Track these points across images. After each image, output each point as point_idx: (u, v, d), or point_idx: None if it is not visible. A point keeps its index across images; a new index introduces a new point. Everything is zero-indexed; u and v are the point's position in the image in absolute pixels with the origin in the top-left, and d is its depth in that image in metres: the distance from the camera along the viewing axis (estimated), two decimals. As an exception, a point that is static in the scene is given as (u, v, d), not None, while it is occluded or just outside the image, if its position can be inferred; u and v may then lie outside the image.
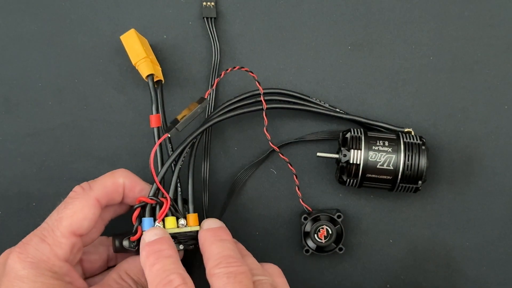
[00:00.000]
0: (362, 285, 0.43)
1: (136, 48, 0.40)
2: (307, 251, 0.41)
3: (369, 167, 0.39)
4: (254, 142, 0.43)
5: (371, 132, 0.40)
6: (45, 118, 0.44)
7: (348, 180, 0.39)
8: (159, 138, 0.38)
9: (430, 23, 0.43)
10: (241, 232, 0.43)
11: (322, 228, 0.41)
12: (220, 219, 0.38)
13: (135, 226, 0.37)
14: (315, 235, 0.41)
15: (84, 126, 0.43)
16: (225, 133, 0.43)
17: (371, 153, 0.39)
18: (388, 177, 0.39)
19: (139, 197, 0.37)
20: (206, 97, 0.39)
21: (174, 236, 0.37)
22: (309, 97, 0.42)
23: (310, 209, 0.41)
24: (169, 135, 0.37)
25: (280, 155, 0.41)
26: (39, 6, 0.44)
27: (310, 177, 0.43)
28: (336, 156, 0.40)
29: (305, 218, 0.41)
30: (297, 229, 0.43)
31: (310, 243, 0.41)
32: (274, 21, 0.44)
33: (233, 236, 0.42)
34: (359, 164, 0.39)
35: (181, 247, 0.38)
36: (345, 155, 0.39)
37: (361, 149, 0.39)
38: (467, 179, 0.43)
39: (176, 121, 0.37)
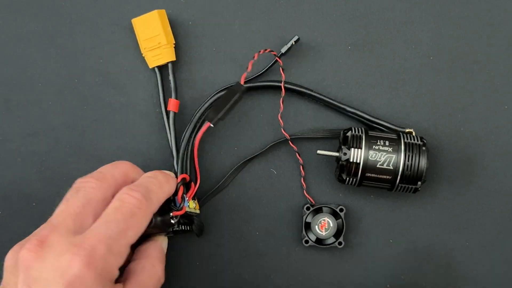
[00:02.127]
0: (362, 284, 0.43)
1: (157, 32, 0.42)
2: (306, 241, 0.41)
3: (369, 166, 0.39)
4: (253, 140, 0.43)
5: (372, 132, 0.40)
6: (45, 118, 0.44)
7: (348, 178, 0.39)
8: (173, 120, 0.41)
9: (430, 23, 0.43)
10: (241, 232, 0.43)
11: (324, 220, 0.41)
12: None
13: (181, 204, 0.38)
14: (316, 226, 0.41)
15: (84, 126, 0.43)
16: (222, 129, 0.43)
17: (371, 152, 0.39)
18: (388, 177, 0.39)
19: (182, 175, 0.39)
20: (242, 83, 0.39)
21: (189, 215, 0.39)
22: (312, 90, 0.42)
23: (313, 201, 0.42)
24: (212, 125, 0.39)
25: (290, 143, 0.41)
26: (39, 6, 0.44)
27: (310, 176, 0.43)
28: (337, 154, 0.40)
29: (308, 208, 0.42)
30: (297, 229, 0.43)
31: (310, 235, 0.42)
32: (274, 21, 0.44)
33: (233, 236, 0.43)
34: (359, 163, 0.39)
35: (181, 227, 0.39)
36: (345, 154, 0.39)
37: (361, 148, 0.39)
38: (467, 179, 0.43)
39: (216, 110, 0.38)
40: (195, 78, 0.44)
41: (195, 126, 0.42)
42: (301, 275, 0.43)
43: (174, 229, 0.37)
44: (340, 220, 0.42)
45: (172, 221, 0.37)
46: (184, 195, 0.39)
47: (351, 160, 0.39)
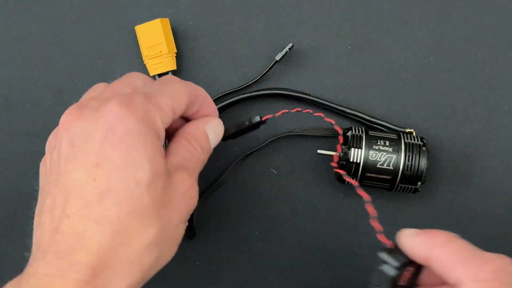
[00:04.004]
0: (362, 285, 0.43)
1: (159, 41, 0.42)
2: None
3: (369, 166, 0.39)
4: (253, 140, 0.43)
5: (372, 131, 0.40)
6: (45, 118, 0.44)
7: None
8: None
9: (430, 23, 0.43)
10: (241, 232, 0.43)
11: (407, 270, 0.30)
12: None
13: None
14: (399, 277, 0.30)
15: (84, 126, 0.43)
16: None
17: (371, 152, 0.39)
18: (388, 177, 0.39)
19: None
20: (264, 119, 0.37)
21: None
22: (310, 95, 0.42)
23: (391, 244, 0.31)
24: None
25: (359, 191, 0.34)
26: (39, 6, 0.44)
27: (310, 176, 0.43)
28: (337, 154, 0.40)
29: (390, 253, 0.31)
30: (297, 229, 0.43)
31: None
32: (274, 21, 0.44)
33: (233, 236, 0.43)
34: (359, 163, 0.39)
35: None
36: (345, 153, 0.39)
37: (361, 148, 0.39)
38: (467, 179, 0.43)
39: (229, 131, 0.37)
40: (195, 78, 0.44)
41: None
42: (301, 275, 0.43)
43: None
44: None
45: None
46: None
47: (351, 160, 0.39)
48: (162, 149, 0.30)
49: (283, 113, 0.38)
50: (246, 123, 0.36)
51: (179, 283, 0.42)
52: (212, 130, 0.34)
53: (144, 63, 0.43)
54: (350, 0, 0.44)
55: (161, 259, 0.30)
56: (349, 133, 0.40)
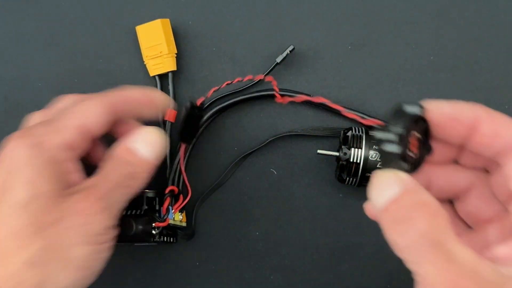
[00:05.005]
0: (362, 285, 0.43)
1: (159, 41, 0.42)
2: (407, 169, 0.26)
3: (369, 167, 0.38)
4: (253, 140, 0.43)
5: (373, 131, 0.40)
6: (45, 118, 0.43)
7: (348, 178, 0.39)
8: (170, 131, 0.41)
9: (430, 23, 0.43)
10: (241, 232, 0.43)
11: (412, 137, 0.26)
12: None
13: (165, 216, 0.38)
14: (407, 150, 0.26)
15: (84, 126, 0.43)
16: (222, 129, 0.43)
17: (371, 152, 0.39)
18: (388, 177, 0.39)
19: (170, 187, 0.39)
20: (198, 104, 0.38)
21: (173, 227, 0.39)
22: (310, 95, 0.42)
23: (381, 123, 0.29)
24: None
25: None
26: (39, 6, 0.44)
27: (310, 176, 0.43)
28: (337, 154, 0.40)
29: (387, 130, 0.26)
30: (297, 230, 0.43)
31: (403, 165, 0.26)
32: (274, 21, 0.44)
33: (233, 236, 0.43)
34: (359, 163, 0.39)
35: (164, 238, 0.39)
36: (345, 154, 0.39)
37: (361, 148, 0.39)
38: (468, 179, 0.43)
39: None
40: (195, 78, 0.44)
41: None
42: (301, 275, 0.43)
43: (155, 240, 0.37)
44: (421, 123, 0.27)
45: (153, 232, 0.37)
46: (170, 206, 0.39)
47: (351, 160, 0.39)
48: (52, 171, 0.30)
49: (227, 84, 0.39)
50: (182, 113, 0.37)
51: (179, 283, 0.42)
52: (141, 141, 0.33)
53: (144, 63, 0.43)
54: (350, 0, 0.44)
55: (51, 281, 0.28)
56: (349, 133, 0.40)
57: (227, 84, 0.39)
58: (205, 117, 0.42)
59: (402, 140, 0.25)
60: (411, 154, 0.26)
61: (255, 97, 0.42)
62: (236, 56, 0.44)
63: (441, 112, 0.27)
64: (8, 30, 0.44)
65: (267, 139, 0.42)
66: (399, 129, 0.26)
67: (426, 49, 0.43)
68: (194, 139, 0.41)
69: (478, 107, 0.27)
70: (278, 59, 0.42)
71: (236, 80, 0.40)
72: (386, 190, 0.26)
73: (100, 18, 0.44)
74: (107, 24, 0.44)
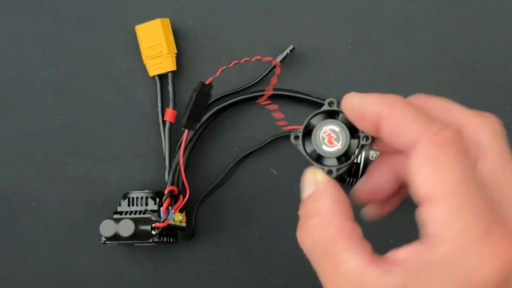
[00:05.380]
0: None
1: (159, 41, 0.42)
2: (330, 172, 0.27)
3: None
4: (253, 140, 0.43)
5: (372, 132, 0.40)
6: (44, 118, 0.43)
7: (348, 179, 0.39)
8: (169, 131, 0.41)
9: (431, 23, 0.43)
10: (241, 232, 0.43)
11: (324, 132, 0.27)
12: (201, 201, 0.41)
13: (165, 216, 0.38)
14: (323, 146, 0.27)
15: (84, 126, 0.43)
16: (222, 130, 0.43)
17: (371, 152, 0.39)
18: (389, 177, 0.39)
19: (170, 187, 0.39)
20: (207, 83, 0.38)
21: (173, 227, 0.39)
22: (310, 95, 0.42)
23: (300, 126, 0.28)
24: (183, 128, 0.39)
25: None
26: (39, 6, 0.44)
27: (310, 177, 0.43)
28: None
29: (296, 137, 0.27)
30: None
31: (327, 161, 0.27)
32: (274, 21, 0.44)
33: (233, 236, 0.43)
34: (359, 163, 0.39)
35: (163, 239, 0.39)
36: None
37: (361, 148, 0.39)
38: (468, 179, 0.43)
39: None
40: (194, 78, 0.44)
41: (191, 139, 0.42)
42: (302, 275, 0.43)
43: (154, 240, 0.37)
44: (340, 115, 0.27)
45: (153, 232, 0.37)
46: (170, 207, 0.39)
47: (351, 160, 0.38)
48: None
49: (234, 63, 0.39)
50: (192, 93, 0.37)
51: (179, 283, 0.42)
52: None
53: (144, 63, 0.43)
54: (350, 0, 0.44)
55: None
56: (349, 133, 0.40)
57: (235, 64, 0.39)
58: (205, 117, 0.42)
59: (308, 137, 0.27)
60: (329, 149, 0.26)
61: (255, 97, 0.42)
62: (236, 56, 0.43)
63: (351, 105, 0.26)
64: (8, 30, 0.44)
65: (267, 139, 0.42)
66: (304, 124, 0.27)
67: (426, 49, 0.43)
68: (198, 124, 0.40)
69: (386, 100, 0.24)
70: (278, 59, 0.42)
71: (243, 59, 0.39)
72: (305, 189, 0.27)
73: (100, 18, 0.44)
74: (107, 24, 0.44)
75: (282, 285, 0.42)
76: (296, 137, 0.27)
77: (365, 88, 0.43)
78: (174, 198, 0.40)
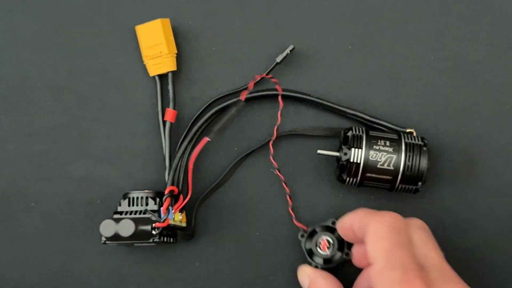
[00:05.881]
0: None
1: (159, 41, 0.42)
2: (316, 267, 0.40)
3: (369, 167, 0.38)
4: (253, 140, 0.43)
5: (373, 131, 0.40)
6: (44, 118, 0.43)
7: (348, 179, 0.39)
8: (169, 131, 0.41)
9: (431, 23, 0.43)
10: (241, 233, 0.43)
11: (322, 239, 0.40)
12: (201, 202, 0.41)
13: (165, 216, 0.38)
14: (318, 248, 0.39)
15: (83, 126, 0.43)
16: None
17: (372, 152, 0.39)
18: (388, 177, 0.39)
19: (170, 187, 0.39)
20: (243, 99, 0.39)
21: (173, 228, 0.39)
22: (310, 95, 0.42)
23: (306, 228, 0.41)
24: (209, 139, 0.39)
25: (271, 158, 0.41)
26: (39, 6, 0.44)
27: (310, 177, 0.43)
28: (337, 154, 0.40)
29: (302, 236, 0.40)
30: (297, 229, 0.43)
31: (317, 259, 0.40)
32: (274, 21, 0.44)
33: (233, 236, 0.43)
34: (360, 163, 0.38)
35: (163, 239, 0.38)
36: (345, 154, 0.39)
37: (362, 148, 0.39)
38: (468, 179, 0.43)
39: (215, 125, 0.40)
40: (195, 78, 0.44)
41: (191, 139, 0.42)
42: (301, 275, 0.43)
43: (154, 240, 0.37)
44: (336, 233, 0.39)
45: (153, 232, 0.37)
46: (170, 207, 0.38)
47: (351, 160, 0.39)
48: None
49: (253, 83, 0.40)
50: (233, 112, 0.40)
51: (178, 284, 0.42)
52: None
53: (144, 63, 0.43)
54: (350, 0, 0.44)
55: None
56: (349, 133, 0.40)
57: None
58: (205, 117, 0.42)
59: (310, 241, 0.40)
60: (321, 252, 0.39)
61: (255, 97, 0.42)
62: (236, 56, 0.44)
63: (341, 223, 0.37)
64: (8, 30, 0.44)
65: (267, 139, 0.42)
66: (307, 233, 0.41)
67: (427, 48, 0.43)
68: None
69: (354, 214, 0.36)
70: (278, 59, 0.42)
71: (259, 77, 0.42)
72: (303, 282, 0.39)
73: (99, 18, 0.44)
74: (107, 24, 0.44)
75: (282, 285, 0.42)
76: (302, 236, 0.41)
77: (365, 88, 0.43)
78: (174, 198, 0.40)
